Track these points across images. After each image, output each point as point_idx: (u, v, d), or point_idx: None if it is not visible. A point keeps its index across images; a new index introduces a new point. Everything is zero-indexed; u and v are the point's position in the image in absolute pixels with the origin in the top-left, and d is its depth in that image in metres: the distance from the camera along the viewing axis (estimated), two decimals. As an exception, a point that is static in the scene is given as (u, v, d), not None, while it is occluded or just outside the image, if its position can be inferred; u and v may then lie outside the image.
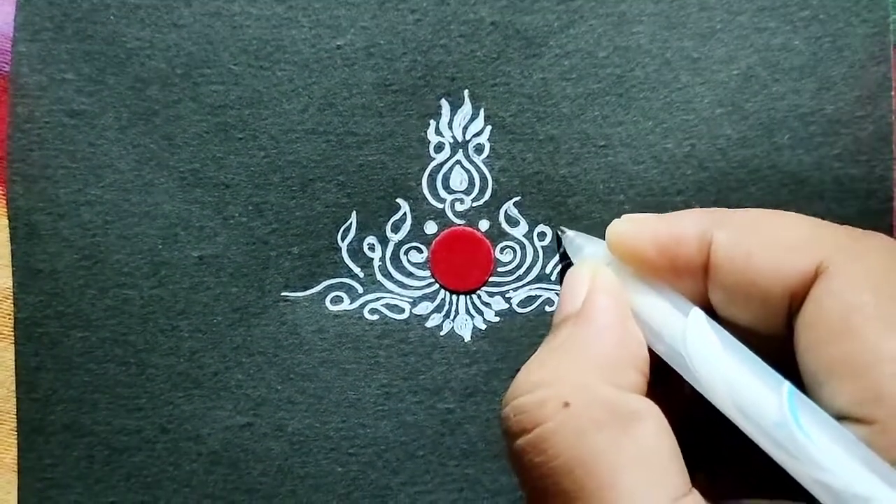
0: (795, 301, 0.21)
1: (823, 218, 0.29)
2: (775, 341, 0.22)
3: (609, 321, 0.23)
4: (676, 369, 0.23)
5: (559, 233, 0.29)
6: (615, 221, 0.25)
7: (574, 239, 0.28)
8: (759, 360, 0.22)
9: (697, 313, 0.23)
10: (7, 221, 0.29)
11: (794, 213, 0.23)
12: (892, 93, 0.29)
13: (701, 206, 0.30)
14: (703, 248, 0.22)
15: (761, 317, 0.22)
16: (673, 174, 0.30)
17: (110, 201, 0.29)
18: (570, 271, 0.26)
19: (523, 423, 0.21)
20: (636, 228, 0.24)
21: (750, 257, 0.22)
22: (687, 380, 0.22)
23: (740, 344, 0.22)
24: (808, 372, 0.21)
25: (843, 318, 0.20)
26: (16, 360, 0.29)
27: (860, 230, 0.23)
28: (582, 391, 0.21)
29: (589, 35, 0.30)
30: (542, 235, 0.30)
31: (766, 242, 0.22)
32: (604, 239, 0.25)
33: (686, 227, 0.23)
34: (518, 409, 0.22)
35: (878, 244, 0.22)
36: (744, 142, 0.30)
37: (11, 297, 0.29)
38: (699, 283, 0.23)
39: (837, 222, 0.30)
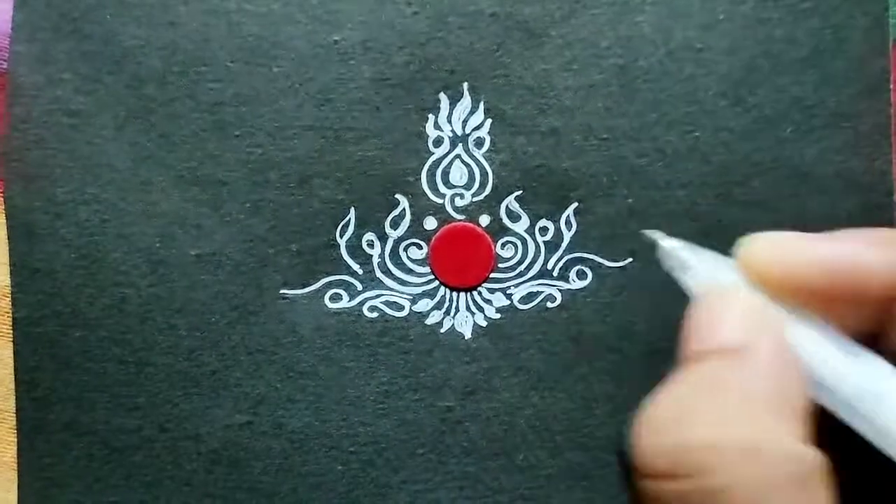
0: None
1: (824, 213, 0.29)
2: None
3: (772, 360, 0.19)
4: (855, 428, 0.19)
5: (649, 239, 0.22)
6: (756, 242, 0.21)
7: (678, 253, 0.21)
8: None
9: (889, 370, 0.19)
10: (5, 220, 0.29)
11: None
12: (891, 86, 0.29)
13: (703, 201, 0.29)
14: (891, 279, 0.19)
15: None
16: (676, 168, 0.29)
17: (108, 200, 0.29)
18: (707, 299, 0.21)
19: (682, 467, 0.18)
20: (796, 253, 0.20)
21: None
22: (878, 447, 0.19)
23: None
24: None
25: None
26: (14, 360, 0.29)
27: None
28: (767, 440, 0.18)
29: (591, 25, 0.29)
30: (543, 230, 0.30)
31: None
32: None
33: (869, 255, 0.20)
34: (676, 450, 0.18)
35: None
36: (747, 134, 0.29)
37: (10, 296, 0.29)
38: (867, 317, 0.20)
39: (838, 217, 0.29)
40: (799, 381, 0.19)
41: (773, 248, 0.20)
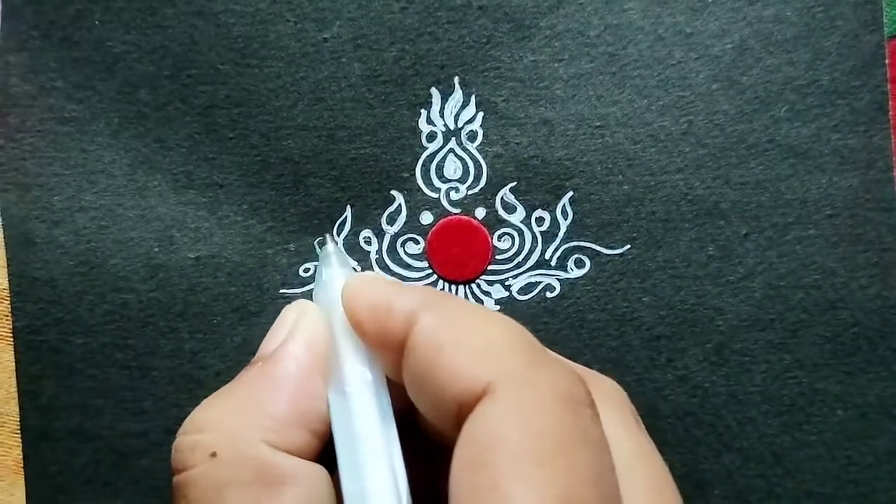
0: (462, 413, 0.20)
1: (823, 191, 0.29)
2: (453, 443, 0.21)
3: (291, 372, 0.22)
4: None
5: (317, 245, 0.26)
6: (358, 275, 0.24)
7: (330, 255, 0.25)
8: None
9: (362, 386, 0.22)
10: (1, 227, 0.29)
11: (502, 318, 0.21)
12: (886, 61, 0.29)
13: (700, 184, 0.29)
14: (409, 325, 0.21)
15: (436, 414, 0.21)
16: (671, 152, 0.29)
17: (105, 206, 0.29)
18: (284, 310, 0.24)
19: (175, 463, 0.21)
20: (363, 287, 0.22)
21: (438, 351, 0.20)
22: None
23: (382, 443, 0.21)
24: (449, 491, 0.19)
25: (486, 448, 0.18)
26: (17, 369, 0.29)
27: (550, 357, 0.21)
28: (233, 444, 0.21)
29: (579, 14, 0.29)
30: (540, 220, 0.30)
31: (458, 342, 0.20)
32: None
33: (401, 300, 0.21)
34: (176, 447, 0.21)
35: (554, 374, 0.20)
36: (741, 116, 0.29)
37: (8, 299, 0.29)
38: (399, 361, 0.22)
39: (838, 195, 0.29)
40: (313, 393, 0.22)
41: (359, 283, 0.23)
